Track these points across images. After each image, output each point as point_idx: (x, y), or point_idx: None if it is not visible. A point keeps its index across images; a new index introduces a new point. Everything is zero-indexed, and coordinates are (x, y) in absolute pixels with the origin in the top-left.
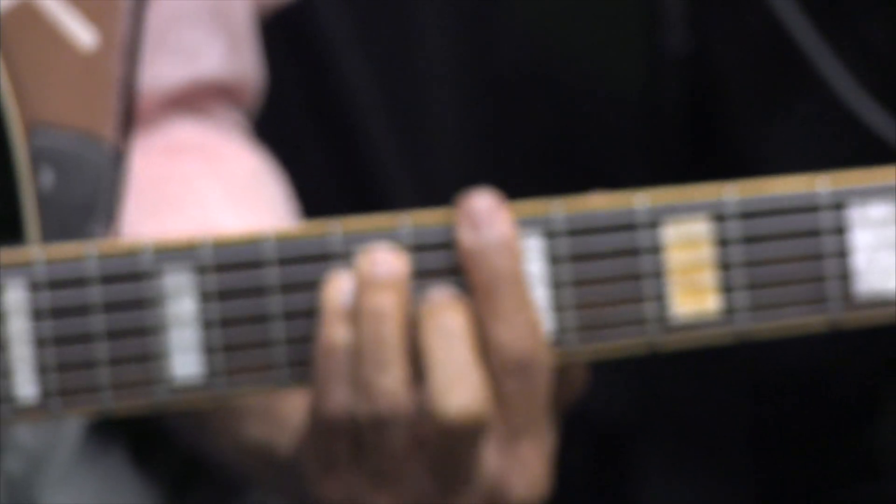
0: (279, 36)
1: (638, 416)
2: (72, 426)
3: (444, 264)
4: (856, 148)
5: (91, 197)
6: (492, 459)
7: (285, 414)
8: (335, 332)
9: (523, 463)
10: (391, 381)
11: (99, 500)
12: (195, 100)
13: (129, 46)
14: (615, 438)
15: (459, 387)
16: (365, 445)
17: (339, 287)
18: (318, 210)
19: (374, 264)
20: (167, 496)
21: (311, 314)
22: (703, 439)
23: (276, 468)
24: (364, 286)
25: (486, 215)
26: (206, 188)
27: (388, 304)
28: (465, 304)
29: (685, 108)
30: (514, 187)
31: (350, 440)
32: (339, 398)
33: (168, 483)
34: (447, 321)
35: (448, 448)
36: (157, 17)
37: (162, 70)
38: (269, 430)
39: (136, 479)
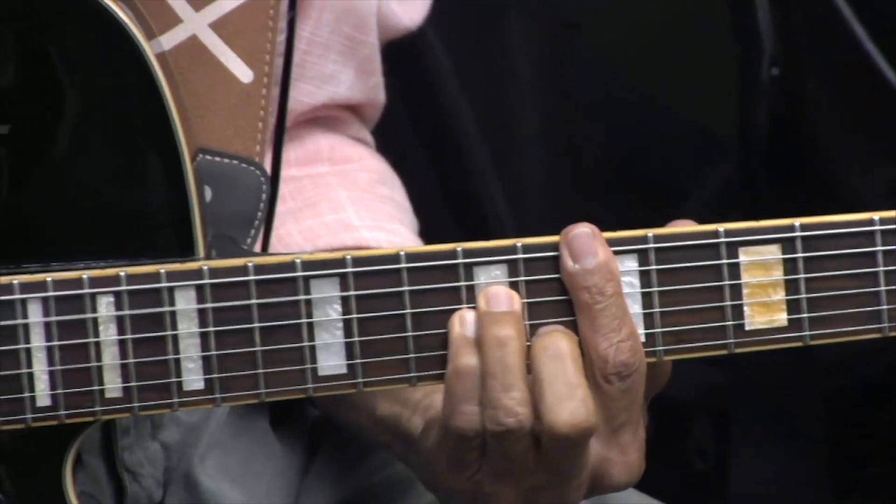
0: (389, 58)
1: (730, 394)
2: None
3: (550, 288)
4: None
5: (243, 210)
6: (596, 450)
7: (411, 395)
8: (464, 359)
9: (622, 451)
10: (515, 400)
11: (245, 461)
12: (327, 116)
13: (282, 79)
14: (684, 415)
15: (569, 402)
16: (490, 451)
17: (464, 319)
18: (425, 210)
19: (494, 299)
20: (300, 459)
21: (436, 319)
22: (785, 413)
23: (402, 440)
24: (486, 318)
25: (586, 244)
26: (336, 191)
27: (509, 334)
28: (569, 330)
29: (774, 125)
30: (591, 195)
31: (478, 448)
32: (470, 415)
33: (301, 448)
34: (556, 345)
35: (560, 451)
36: (297, 50)
37: (302, 93)
38: (398, 408)
39: (274, 444)
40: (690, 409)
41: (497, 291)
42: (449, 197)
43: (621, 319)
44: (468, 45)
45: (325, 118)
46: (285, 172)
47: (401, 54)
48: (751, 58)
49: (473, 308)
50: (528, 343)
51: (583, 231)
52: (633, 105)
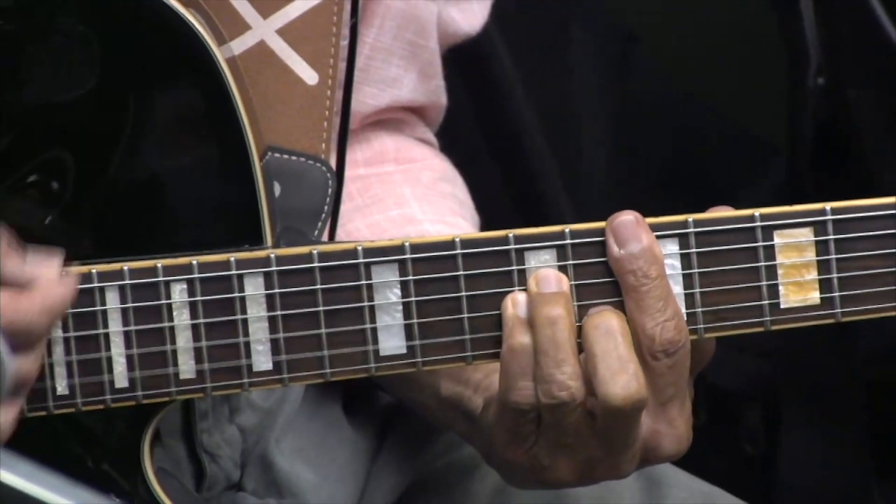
0: (457, 65)
1: (779, 384)
2: (295, 386)
3: (597, 271)
4: None
5: (310, 204)
6: (646, 423)
7: (471, 375)
8: (517, 338)
9: (670, 423)
10: (567, 374)
11: (318, 443)
12: (392, 118)
13: (345, 81)
14: (733, 401)
15: (621, 376)
16: (545, 424)
17: (516, 301)
18: (489, 207)
19: (544, 281)
20: (371, 443)
21: (490, 302)
22: (829, 401)
23: (465, 418)
24: (537, 299)
25: (630, 230)
26: (401, 188)
27: (559, 313)
28: (618, 308)
29: (819, 130)
30: (649, 196)
31: (533, 421)
32: (525, 390)
33: (372, 432)
34: (607, 322)
35: (614, 423)
36: (360, 55)
37: (366, 96)
38: (461, 388)
39: (346, 429)
40: (742, 399)
41: (547, 274)
42: (513, 195)
43: (666, 300)
44: (533, 53)
45: (391, 120)
46: (353, 171)
47: (469, 61)
48: (798, 68)
49: (525, 290)
50: (578, 323)
51: (627, 218)
52: (689, 110)
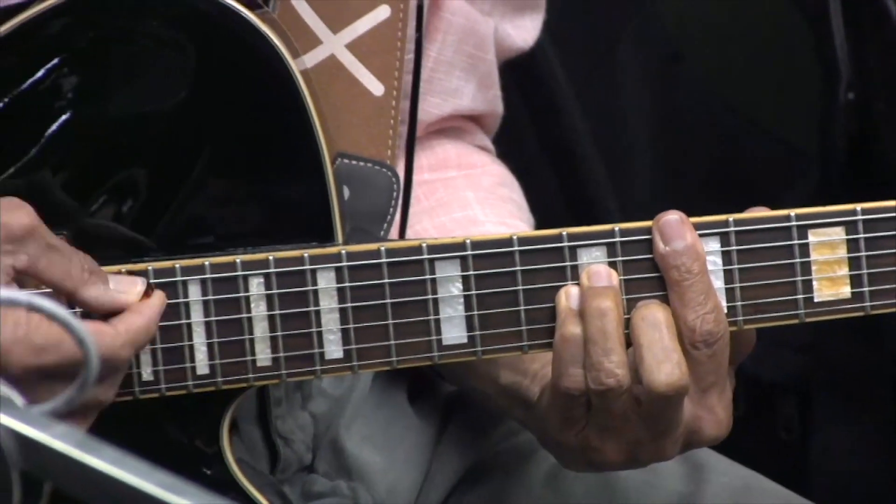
0: (514, 77)
1: (812, 378)
2: (365, 375)
3: (644, 267)
4: None
5: (376, 206)
6: (688, 409)
7: (529, 365)
8: (569, 328)
9: (710, 409)
10: (615, 363)
11: (385, 430)
12: (454, 126)
13: (412, 92)
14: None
15: (666, 364)
16: (594, 409)
17: (569, 293)
18: (543, 208)
19: (595, 276)
20: (434, 429)
21: (545, 295)
22: (858, 394)
23: (522, 405)
24: (588, 292)
25: (675, 229)
26: (464, 192)
27: (608, 306)
28: (663, 302)
29: (851, 142)
30: (692, 199)
31: (583, 405)
32: (575, 376)
33: (435, 420)
34: (653, 315)
35: (658, 408)
36: (425, 68)
37: (430, 106)
38: (519, 378)
39: (411, 416)
40: (778, 390)
41: (598, 269)
42: (565, 198)
43: (706, 294)
44: (584, 68)
45: (452, 128)
46: (419, 177)
47: (525, 74)
48: (830, 84)
49: (577, 284)
50: (627, 315)
51: (672, 217)
52: (729, 121)
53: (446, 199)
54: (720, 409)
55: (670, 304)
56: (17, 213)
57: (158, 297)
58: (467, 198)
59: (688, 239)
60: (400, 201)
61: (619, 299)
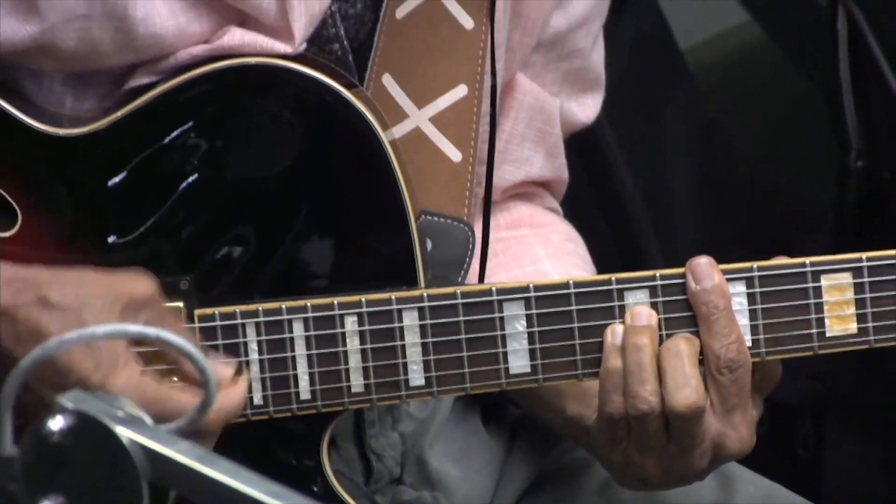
0: (575, 146)
1: (827, 401)
2: (445, 400)
3: (681, 306)
4: None
5: (454, 256)
6: (713, 427)
7: (591, 399)
8: (612, 361)
9: (734, 427)
10: (648, 391)
11: (462, 447)
12: (526, 191)
13: (488, 162)
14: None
15: (684, 389)
16: (634, 430)
17: (615, 331)
18: (600, 256)
19: (637, 316)
20: (504, 446)
21: (596, 331)
22: (869, 416)
23: (584, 432)
24: (629, 331)
25: (705, 270)
26: (535, 248)
27: (644, 342)
28: (689, 335)
29: (860, 206)
30: (727, 248)
31: (624, 427)
32: (617, 403)
33: (504, 438)
34: (676, 346)
35: (682, 427)
36: (499, 140)
37: (505, 173)
38: (583, 409)
39: (484, 435)
40: (797, 411)
41: (639, 310)
42: (618, 248)
43: (730, 327)
44: (634, 134)
45: (525, 192)
46: (497, 234)
47: (584, 143)
48: (843, 153)
49: (623, 322)
50: None
51: (703, 261)
52: (758, 184)
53: (519, 255)
54: (743, 428)
55: (700, 336)
56: (140, 283)
57: (245, 381)
58: (538, 253)
59: (715, 279)
60: (477, 252)
61: (655, 336)
